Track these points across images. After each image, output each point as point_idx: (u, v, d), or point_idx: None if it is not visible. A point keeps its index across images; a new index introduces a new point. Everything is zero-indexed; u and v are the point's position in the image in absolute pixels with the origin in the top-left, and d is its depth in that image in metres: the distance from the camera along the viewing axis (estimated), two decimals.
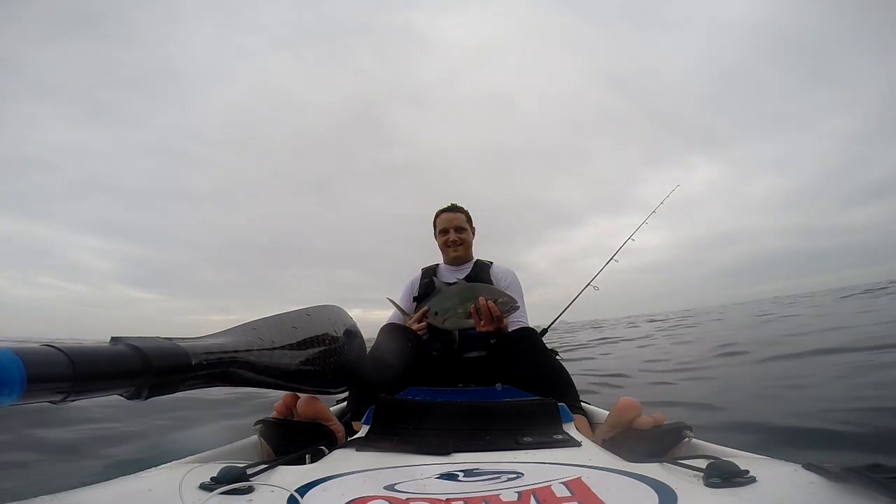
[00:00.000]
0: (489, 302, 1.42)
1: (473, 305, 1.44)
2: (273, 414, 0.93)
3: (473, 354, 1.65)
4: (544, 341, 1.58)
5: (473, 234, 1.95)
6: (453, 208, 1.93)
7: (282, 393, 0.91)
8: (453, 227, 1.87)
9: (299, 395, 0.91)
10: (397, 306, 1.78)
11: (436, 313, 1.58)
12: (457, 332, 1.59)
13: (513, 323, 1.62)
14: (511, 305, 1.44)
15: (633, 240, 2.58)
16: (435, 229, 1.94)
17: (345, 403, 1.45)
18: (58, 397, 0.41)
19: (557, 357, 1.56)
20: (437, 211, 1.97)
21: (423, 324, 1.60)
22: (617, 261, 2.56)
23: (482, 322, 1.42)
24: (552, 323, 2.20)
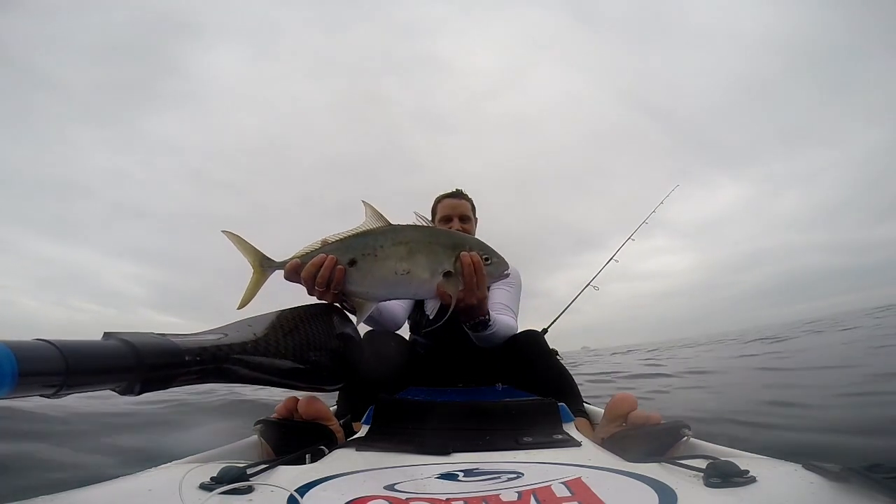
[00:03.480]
0: (473, 255, 0.93)
1: (453, 260, 0.92)
2: (273, 415, 0.93)
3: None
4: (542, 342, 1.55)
5: (476, 225, 1.70)
6: (458, 194, 1.68)
7: (281, 394, 0.90)
8: (457, 216, 1.61)
9: (299, 396, 0.91)
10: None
11: (352, 262, 0.89)
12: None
13: (499, 308, 1.40)
14: (503, 270, 1.02)
15: (633, 240, 2.63)
16: (434, 216, 1.66)
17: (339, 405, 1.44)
18: (49, 391, 0.41)
19: (558, 358, 1.55)
20: (438, 196, 1.70)
21: (327, 287, 0.88)
22: (617, 261, 2.61)
23: (458, 291, 0.94)
24: (552, 323, 2.20)
